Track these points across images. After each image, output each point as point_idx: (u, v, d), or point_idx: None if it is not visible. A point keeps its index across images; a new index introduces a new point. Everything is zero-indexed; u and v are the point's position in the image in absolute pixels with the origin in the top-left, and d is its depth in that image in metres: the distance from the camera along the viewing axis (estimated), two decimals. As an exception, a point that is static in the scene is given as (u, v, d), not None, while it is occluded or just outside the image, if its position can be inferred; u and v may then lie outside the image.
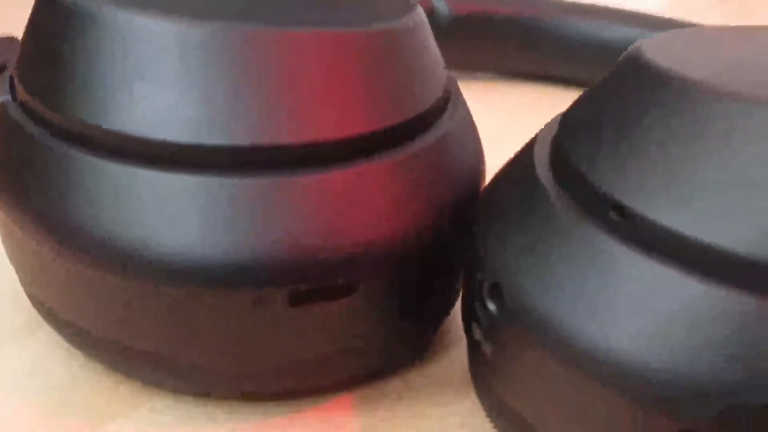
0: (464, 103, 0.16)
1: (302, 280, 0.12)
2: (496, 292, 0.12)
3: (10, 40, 0.25)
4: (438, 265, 0.14)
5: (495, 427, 0.13)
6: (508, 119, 0.27)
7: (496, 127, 0.26)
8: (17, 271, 0.15)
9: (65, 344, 0.15)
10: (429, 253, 0.14)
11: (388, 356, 0.15)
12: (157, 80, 0.13)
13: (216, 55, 0.13)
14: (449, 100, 0.16)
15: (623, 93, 0.12)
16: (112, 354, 0.14)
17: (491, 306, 0.12)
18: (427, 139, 0.14)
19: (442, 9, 0.31)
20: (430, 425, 0.14)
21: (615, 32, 0.30)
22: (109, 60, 0.13)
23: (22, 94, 0.14)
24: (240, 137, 0.13)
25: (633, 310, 0.11)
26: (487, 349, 0.12)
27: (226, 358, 0.13)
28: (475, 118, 0.19)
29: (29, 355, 0.15)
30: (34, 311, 0.16)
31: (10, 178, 0.14)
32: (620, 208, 0.11)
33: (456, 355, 0.15)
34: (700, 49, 0.13)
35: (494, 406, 0.13)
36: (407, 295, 0.14)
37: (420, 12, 0.16)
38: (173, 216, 0.12)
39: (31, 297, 0.15)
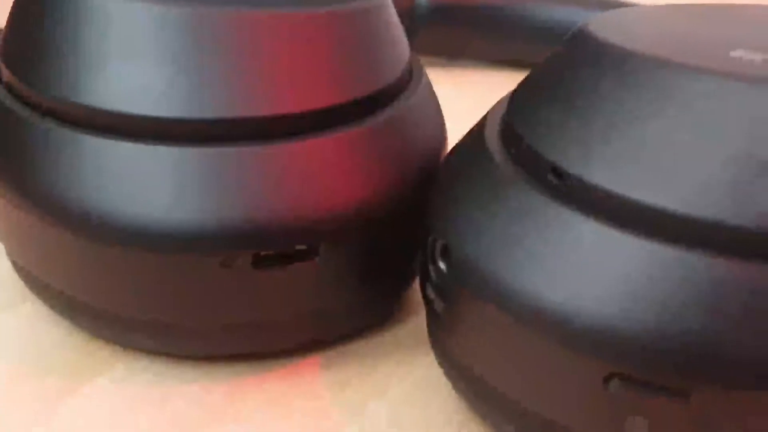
0: (427, 81, 0.17)
1: (265, 244, 0.13)
2: (446, 252, 0.13)
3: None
4: (400, 232, 0.15)
5: (450, 381, 0.14)
6: (482, 101, 0.28)
7: (470, 108, 0.27)
8: (4, 242, 0.15)
9: (51, 313, 0.16)
10: (389, 220, 0.15)
11: (354, 318, 0.15)
12: (130, 59, 0.14)
13: (185, 35, 0.13)
14: (411, 78, 0.17)
15: (565, 65, 0.13)
16: (90, 318, 0.15)
17: (441, 265, 0.13)
18: (388, 113, 0.15)
19: (422, -4, 0.32)
20: (393, 383, 0.15)
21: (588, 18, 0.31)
22: (85, 40, 0.14)
23: (5, 74, 0.15)
24: (207, 111, 0.13)
25: (569, 265, 0.11)
26: (438, 306, 0.13)
27: (197, 318, 0.14)
28: (452, 101, 0.20)
29: (16, 323, 0.16)
30: (21, 284, 0.17)
31: (10, 167, 0.14)
32: (557, 170, 0.12)
33: (423, 317, 0.16)
34: (643, 24, 0.14)
35: (447, 361, 0.14)
36: (369, 259, 0.15)
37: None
38: (147, 185, 0.13)
39: (17, 265, 0.16)
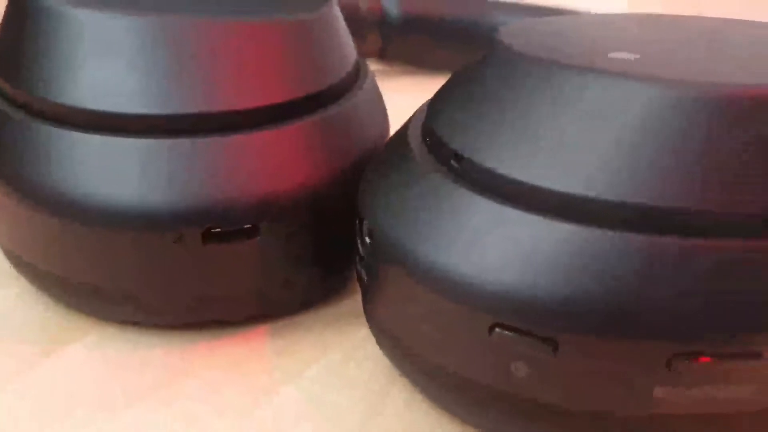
0: (372, 82, 0.19)
1: (212, 222, 0.15)
2: (369, 230, 0.15)
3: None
4: (338, 215, 0.17)
5: (378, 345, 0.16)
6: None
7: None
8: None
9: (35, 291, 0.18)
10: (329, 204, 0.17)
11: (298, 293, 0.17)
12: (101, 63, 0.16)
13: (152, 42, 0.16)
14: (357, 79, 0.19)
15: (471, 69, 0.15)
16: (66, 291, 0.17)
17: (367, 241, 0.15)
18: (331, 110, 0.17)
19: (392, 10, 0.34)
20: (330, 349, 0.17)
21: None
22: (62, 47, 0.16)
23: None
24: (166, 107, 0.15)
25: (463, 235, 0.13)
26: (365, 280, 0.15)
27: (156, 289, 0.16)
28: (417, 104, 0.22)
29: (2, 301, 0.18)
30: (7, 265, 0.19)
31: (12, 162, 0.16)
32: (458, 157, 0.14)
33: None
34: (545, 33, 0.16)
35: (374, 327, 0.16)
36: (308, 239, 0.17)
37: (332, 5, 0.19)
38: (113, 173, 0.15)
39: (5, 248, 0.18)
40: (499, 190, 0.13)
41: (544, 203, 0.13)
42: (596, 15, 0.18)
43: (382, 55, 0.34)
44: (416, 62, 0.34)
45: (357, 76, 0.19)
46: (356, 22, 0.33)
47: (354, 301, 0.18)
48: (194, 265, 0.16)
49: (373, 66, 0.37)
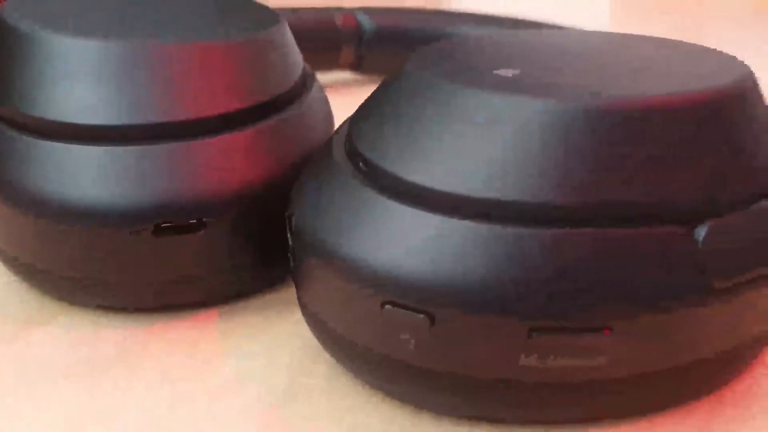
0: (319, 93, 0.22)
1: (162, 217, 0.18)
2: (294, 223, 0.17)
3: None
4: (280, 211, 0.19)
5: (308, 326, 0.18)
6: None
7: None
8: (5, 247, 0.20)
9: (18, 281, 0.21)
10: (269, 201, 0.19)
11: (244, 280, 0.20)
12: (74, 81, 0.18)
13: (110, 62, 0.18)
14: (302, 90, 0.21)
15: (386, 85, 0.18)
16: (42, 280, 0.19)
17: (292, 233, 0.17)
18: (272, 120, 0.19)
19: (366, 23, 0.36)
20: (269, 330, 0.19)
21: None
22: (41, 66, 0.18)
23: None
24: (124, 118, 0.18)
25: (365, 227, 0.16)
26: (292, 266, 0.18)
27: (117, 277, 0.18)
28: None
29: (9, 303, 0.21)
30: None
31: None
32: (365, 161, 0.16)
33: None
34: (459, 52, 0.18)
35: (302, 308, 0.18)
36: (249, 233, 0.19)
37: (282, 24, 0.21)
38: (80, 176, 0.18)
39: (14, 263, 0.20)
40: (393, 189, 0.16)
41: (426, 200, 0.15)
42: (506, 33, 0.20)
43: (358, 67, 0.36)
44: (390, 73, 0.37)
45: (303, 87, 0.21)
46: (332, 36, 0.36)
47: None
48: (147, 253, 0.18)
49: (348, 77, 0.39)
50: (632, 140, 0.15)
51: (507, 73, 0.17)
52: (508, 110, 0.15)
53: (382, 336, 0.16)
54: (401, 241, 0.15)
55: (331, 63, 0.36)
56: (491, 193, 0.15)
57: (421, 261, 0.15)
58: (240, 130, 0.19)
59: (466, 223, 0.15)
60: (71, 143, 0.18)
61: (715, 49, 0.19)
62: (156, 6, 0.21)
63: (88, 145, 0.18)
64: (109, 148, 0.18)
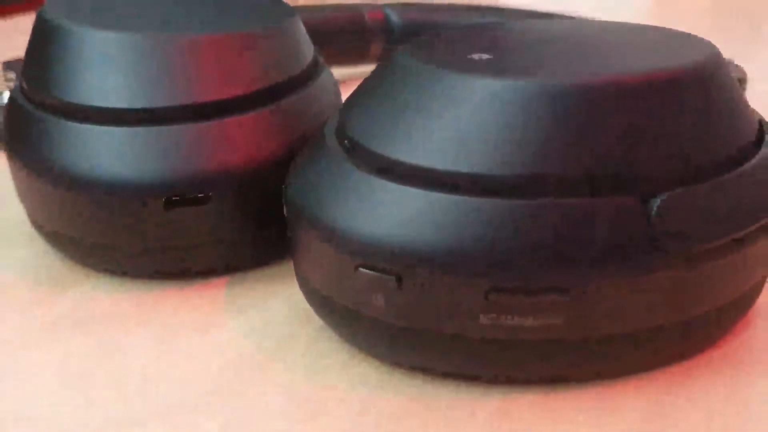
0: (329, 80, 0.23)
1: (171, 191, 0.20)
2: (288, 195, 0.19)
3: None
4: (281, 188, 0.21)
5: (300, 288, 0.20)
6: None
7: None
8: (23, 203, 0.22)
9: (50, 249, 0.23)
10: (273, 178, 0.21)
11: (247, 251, 0.21)
12: (116, 69, 0.20)
13: (140, 53, 0.20)
14: (309, 78, 0.23)
15: (373, 73, 0.19)
16: (72, 248, 0.21)
17: (286, 203, 0.19)
18: (272, 106, 0.21)
19: (393, 17, 0.38)
20: (272, 298, 0.21)
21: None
22: (72, 56, 0.21)
23: (22, 83, 0.22)
24: (142, 102, 0.20)
25: (347, 198, 0.17)
26: (288, 237, 0.19)
27: (134, 245, 0.20)
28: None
29: (27, 255, 0.23)
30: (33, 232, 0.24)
31: (17, 139, 0.21)
32: (350, 139, 0.18)
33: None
34: (443, 40, 0.20)
35: (296, 274, 0.20)
36: (253, 207, 0.21)
37: (295, 18, 0.23)
38: (103, 154, 0.20)
39: (31, 218, 0.23)
40: (368, 163, 0.17)
41: (395, 172, 0.17)
42: (496, 24, 0.21)
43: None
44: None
45: (308, 76, 0.23)
46: (360, 31, 0.37)
47: (299, 260, 0.22)
48: (158, 223, 0.20)
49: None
50: (587, 117, 0.16)
51: (480, 57, 0.18)
52: (468, 89, 0.16)
53: (357, 295, 0.17)
54: (373, 209, 0.17)
55: (360, 58, 0.38)
56: (453, 166, 0.16)
57: (390, 227, 0.16)
58: (243, 114, 0.20)
59: (429, 193, 0.16)
60: (93, 124, 0.20)
61: (689, 34, 0.20)
62: (182, 2, 0.23)
63: (108, 125, 0.20)
64: (125, 128, 0.20)
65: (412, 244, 0.16)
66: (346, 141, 0.18)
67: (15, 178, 0.22)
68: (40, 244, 0.23)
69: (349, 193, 0.17)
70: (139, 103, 0.20)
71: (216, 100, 0.20)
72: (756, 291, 0.19)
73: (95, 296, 0.21)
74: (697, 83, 0.17)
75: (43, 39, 0.21)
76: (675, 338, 0.17)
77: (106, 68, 0.20)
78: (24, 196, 0.22)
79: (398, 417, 0.17)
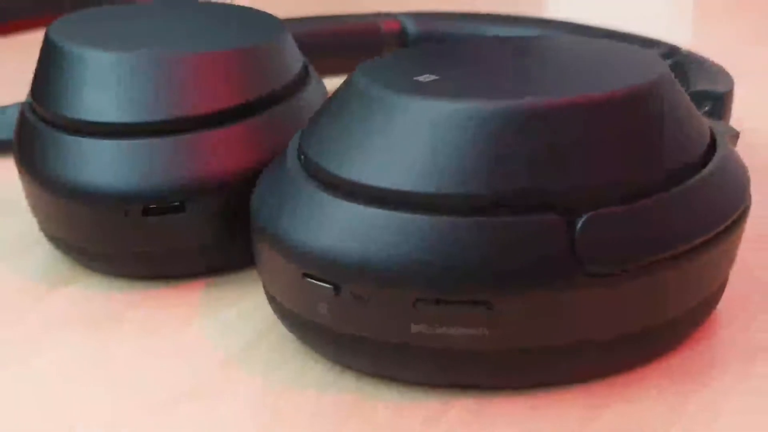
0: (319, 84, 0.24)
1: (149, 200, 0.21)
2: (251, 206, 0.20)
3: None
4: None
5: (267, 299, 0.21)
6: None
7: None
8: (34, 215, 0.24)
9: (54, 250, 0.25)
10: (242, 189, 0.22)
11: (222, 256, 0.23)
12: (101, 86, 0.22)
13: (136, 70, 0.22)
14: (298, 86, 0.24)
15: (335, 91, 0.20)
16: (69, 250, 0.23)
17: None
18: (247, 122, 0.22)
19: (410, 27, 0.39)
20: (246, 301, 0.22)
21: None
22: (74, 74, 0.22)
23: (30, 99, 0.24)
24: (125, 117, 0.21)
25: (296, 212, 0.18)
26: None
27: (114, 248, 0.22)
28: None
29: (33, 258, 0.25)
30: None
31: (25, 153, 0.23)
32: (305, 154, 0.19)
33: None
34: (395, 63, 0.20)
35: (263, 285, 0.21)
36: (226, 216, 0.22)
37: (280, 34, 0.24)
38: (85, 165, 0.22)
39: (38, 222, 0.24)
40: (317, 179, 0.18)
41: (337, 187, 0.18)
42: (455, 44, 0.22)
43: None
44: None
45: (292, 90, 0.24)
46: (375, 41, 0.38)
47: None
48: (137, 229, 0.22)
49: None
50: (511, 138, 0.17)
51: (426, 78, 0.19)
52: (401, 110, 0.17)
53: (305, 303, 0.18)
54: (316, 222, 0.18)
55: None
56: (385, 183, 0.17)
57: (329, 240, 0.17)
58: (217, 128, 0.22)
59: (364, 208, 0.17)
60: (77, 136, 0.22)
61: (648, 52, 0.20)
62: (177, 21, 0.25)
63: (91, 138, 0.22)
64: (106, 141, 0.22)
65: (347, 255, 0.17)
66: (301, 156, 0.19)
67: (23, 185, 0.24)
68: (48, 247, 0.25)
69: (297, 205, 0.18)
70: (119, 118, 0.22)
71: (193, 116, 0.22)
72: (699, 312, 0.19)
73: (88, 295, 0.23)
74: (627, 107, 0.17)
75: (42, 55, 0.23)
76: (602, 353, 0.18)
77: (91, 84, 0.22)
78: (29, 202, 0.24)
79: (344, 416, 0.18)
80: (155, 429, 0.18)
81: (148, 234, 0.22)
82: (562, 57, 0.20)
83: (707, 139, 0.19)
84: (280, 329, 0.21)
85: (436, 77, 0.19)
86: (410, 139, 0.17)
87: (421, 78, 0.19)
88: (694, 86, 0.27)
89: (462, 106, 0.17)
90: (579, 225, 0.17)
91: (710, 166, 0.19)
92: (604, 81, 0.18)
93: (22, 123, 0.24)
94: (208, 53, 0.22)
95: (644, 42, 0.33)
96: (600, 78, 0.18)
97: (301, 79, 0.25)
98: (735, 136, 0.24)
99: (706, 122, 0.20)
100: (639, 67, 0.19)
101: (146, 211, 0.21)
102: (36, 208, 0.24)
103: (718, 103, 0.25)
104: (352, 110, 0.18)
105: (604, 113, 0.17)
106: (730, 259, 0.20)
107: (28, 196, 0.24)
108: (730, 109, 0.26)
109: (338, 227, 0.17)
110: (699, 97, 0.25)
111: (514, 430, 0.18)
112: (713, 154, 0.19)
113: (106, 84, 0.22)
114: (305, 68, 0.25)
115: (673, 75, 0.19)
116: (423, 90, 0.18)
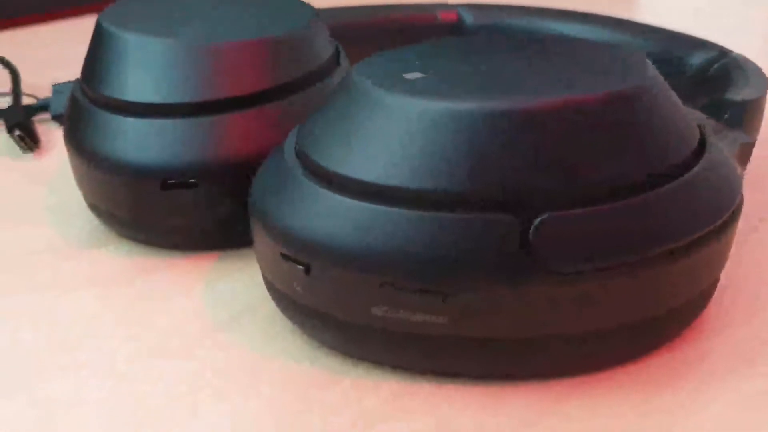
0: (345, 70, 0.26)
1: (168, 176, 0.23)
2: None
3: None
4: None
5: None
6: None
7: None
8: (81, 189, 0.26)
9: (95, 219, 0.27)
10: (252, 171, 0.23)
11: (237, 231, 0.24)
12: (147, 69, 0.24)
13: (183, 56, 0.23)
14: (323, 73, 0.25)
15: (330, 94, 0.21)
16: (104, 217, 0.25)
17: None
18: (266, 107, 0.24)
19: (467, 19, 0.39)
20: (249, 274, 0.24)
21: (603, 36, 0.37)
22: (119, 57, 0.24)
23: (80, 80, 0.26)
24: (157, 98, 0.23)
25: (279, 196, 0.20)
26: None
27: (140, 218, 0.24)
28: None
29: (75, 227, 0.27)
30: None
31: (75, 132, 0.25)
32: (303, 153, 0.20)
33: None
34: (388, 60, 0.21)
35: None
36: (237, 194, 0.23)
37: (313, 23, 0.25)
38: (144, 142, 0.23)
39: (85, 199, 0.27)
40: (303, 167, 0.19)
41: (317, 175, 0.19)
42: (452, 40, 0.23)
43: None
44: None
45: (317, 77, 0.25)
46: (432, 31, 0.39)
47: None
48: (159, 202, 0.24)
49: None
50: (473, 139, 0.17)
51: (414, 75, 0.20)
52: (378, 105, 0.18)
53: (284, 280, 0.20)
54: (295, 205, 0.19)
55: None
56: (354, 174, 0.18)
57: (304, 223, 0.19)
58: (225, 114, 0.23)
59: (335, 195, 0.18)
60: (140, 117, 0.24)
61: (633, 56, 0.20)
62: (214, 8, 0.26)
63: (122, 115, 0.24)
64: (133, 119, 0.23)
65: (317, 238, 0.18)
66: (296, 144, 0.21)
67: (73, 168, 0.26)
68: (91, 216, 0.28)
69: (282, 188, 0.20)
70: (149, 98, 0.23)
71: (212, 100, 0.23)
72: (664, 320, 0.19)
73: (112, 257, 0.25)
74: (588, 112, 0.18)
75: (97, 42, 0.25)
76: (563, 351, 0.18)
77: (130, 66, 0.24)
78: (73, 172, 0.26)
79: (313, 387, 0.19)
80: (143, 374, 0.20)
81: (165, 206, 0.24)
82: (552, 58, 0.20)
83: (692, 145, 0.19)
84: (272, 303, 0.22)
85: (423, 75, 0.20)
86: (378, 133, 0.18)
87: (408, 75, 0.20)
88: (732, 91, 0.27)
89: (425, 105, 0.18)
90: (534, 226, 0.17)
91: (687, 176, 0.19)
92: (572, 85, 0.18)
93: (71, 101, 0.26)
94: (234, 42, 0.24)
95: (694, 43, 0.33)
96: (571, 82, 0.19)
97: (328, 67, 0.26)
98: (748, 145, 0.24)
99: (696, 127, 0.20)
100: (615, 72, 0.19)
101: (164, 185, 0.23)
102: (77, 178, 0.26)
103: (738, 111, 0.25)
104: (335, 101, 0.20)
105: (562, 118, 0.18)
106: (710, 267, 0.20)
107: (71, 166, 0.26)
108: (758, 117, 0.26)
109: (312, 212, 0.19)
110: (719, 105, 0.25)
111: (470, 417, 0.18)
112: (698, 160, 0.19)
113: (143, 67, 0.24)
114: (335, 56, 0.27)
115: (655, 80, 0.19)
116: (396, 87, 0.19)
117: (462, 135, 0.18)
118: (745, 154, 0.25)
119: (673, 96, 0.20)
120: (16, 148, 0.32)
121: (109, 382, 0.20)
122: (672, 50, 0.33)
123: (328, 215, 0.18)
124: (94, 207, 0.26)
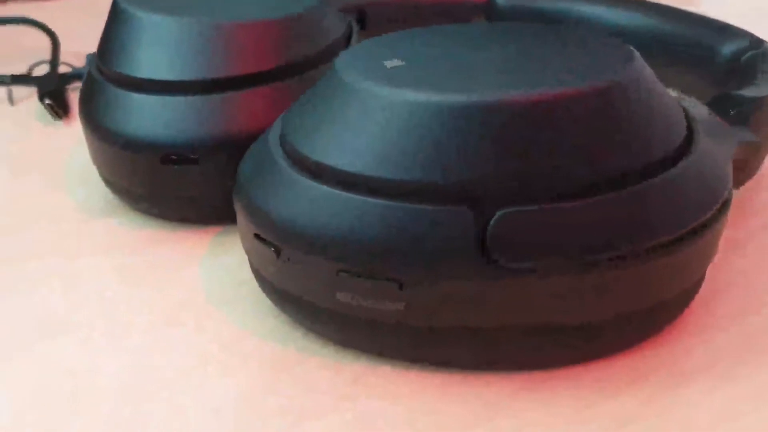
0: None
1: (168, 151, 0.24)
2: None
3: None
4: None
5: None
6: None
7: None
8: (93, 162, 0.27)
9: (105, 189, 0.28)
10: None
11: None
12: (154, 47, 0.25)
13: (187, 34, 0.24)
14: (336, 52, 0.25)
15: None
16: (115, 188, 0.27)
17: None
18: (268, 86, 0.24)
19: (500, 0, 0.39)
20: (237, 262, 0.24)
21: (633, 20, 0.36)
22: (130, 35, 0.25)
23: (96, 58, 0.27)
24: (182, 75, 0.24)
25: (258, 180, 0.20)
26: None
27: (144, 191, 0.25)
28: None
29: (90, 198, 0.28)
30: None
31: (88, 106, 0.26)
32: (283, 137, 0.21)
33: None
34: (375, 46, 0.21)
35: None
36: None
37: (320, 6, 0.26)
38: (147, 117, 0.24)
39: (100, 173, 0.28)
40: (284, 153, 0.20)
41: (294, 161, 0.19)
42: (435, 28, 0.23)
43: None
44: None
45: (321, 59, 0.26)
46: (463, 10, 0.39)
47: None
48: (159, 176, 0.24)
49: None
50: (435, 131, 0.18)
51: (393, 63, 0.20)
52: (350, 93, 0.19)
53: (259, 260, 0.20)
54: (268, 188, 0.20)
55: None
56: (323, 159, 0.18)
57: (277, 207, 0.19)
58: (227, 93, 0.24)
59: (303, 180, 0.19)
60: (149, 94, 0.24)
61: (620, 48, 0.20)
62: None
63: (133, 92, 0.24)
64: (143, 95, 0.24)
65: (286, 223, 0.19)
66: (281, 141, 0.21)
67: (88, 144, 0.27)
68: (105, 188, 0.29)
69: (261, 170, 0.20)
70: (156, 75, 0.24)
71: (211, 78, 0.24)
72: (626, 323, 0.19)
73: (120, 228, 0.26)
74: (558, 108, 0.18)
75: (114, 20, 0.26)
76: (523, 344, 0.19)
77: (141, 44, 0.25)
78: (94, 158, 0.27)
79: (286, 364, 0.20)
80: (138, 344, 0.21)
81: (166, 180, 0.24)
82: (537, 51, 0.20)
83: (676, 142, 0.19)
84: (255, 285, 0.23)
85: (402, 63, 0.20)
86: (342, 119, 0.19)
87: (388, 63, 0.20)
88: (757, 83, 0.26)
89: (387, 94, 0.18)
90: (493, 220, 0.17)
91: (664, 174, 0.18)
92: (541, 80, 0.18)
93: (87, 77, 0.27)
94: (243, 22, 0.24)
95: (727, 31, 0.32)
96: (542, 77, 0.18)
97: (338, 46, 0.26)
98: (751, 143, 0.23)
99: (683, 122, 0.20)
100: (593, 67, 0.19)
101: (164, 160, 0.24)
102: (91, 153, 0.27)
103: (746, 107, 0.24)
104: (315, 85, 0.20)
105: (522, 114, 0.17)
106: (687, 268, 0.19)
107: (86, 141, 0.27)
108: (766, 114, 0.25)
109: (282, 195, 0.19)
110: (727, 100, 0.24)
111: (421, 405, 0.19)
112: (682, 157, 0.19)
113: (149, 44, 0.24)
114: (347, 35, 0.27)
115: (635, 75, 0.19)
116: (365, 75, 0.19)
117: (422, 126, 0.18)
118: (751, 153, 0.24)
119: (657, 92, 0.19)
120: (48, 115, 0.34)
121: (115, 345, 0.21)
122: (703, 37, 0.33)
123: (296, 199, 0.19)
124: (107, 181, 0.27)
